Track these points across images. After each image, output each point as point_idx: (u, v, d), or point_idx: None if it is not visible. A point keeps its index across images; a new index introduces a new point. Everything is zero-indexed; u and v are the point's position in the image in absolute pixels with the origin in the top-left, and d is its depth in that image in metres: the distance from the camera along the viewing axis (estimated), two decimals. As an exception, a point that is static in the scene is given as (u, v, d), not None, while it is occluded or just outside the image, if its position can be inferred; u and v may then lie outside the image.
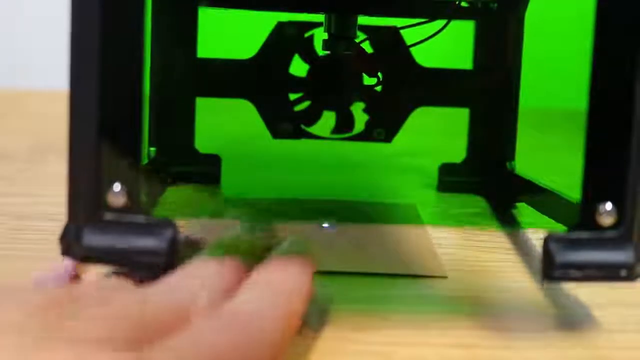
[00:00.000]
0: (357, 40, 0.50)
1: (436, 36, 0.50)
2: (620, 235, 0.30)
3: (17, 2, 1.01)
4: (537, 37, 0.52)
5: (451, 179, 0.55)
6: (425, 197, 0.54)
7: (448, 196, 0.54)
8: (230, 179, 0.54)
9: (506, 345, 0.31)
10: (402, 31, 0.51)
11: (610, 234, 0.30)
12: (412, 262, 0.40)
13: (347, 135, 0.52)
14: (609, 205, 0.30)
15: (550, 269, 0.30)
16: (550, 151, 0.74)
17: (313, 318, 0.31)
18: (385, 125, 0.52)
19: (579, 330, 0.33)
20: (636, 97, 0.29)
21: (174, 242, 0.29)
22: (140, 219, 0.29)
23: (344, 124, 0.52)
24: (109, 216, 0.29)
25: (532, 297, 0.36)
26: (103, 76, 0.28)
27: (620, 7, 0.29)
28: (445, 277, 0.38)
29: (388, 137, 0.52)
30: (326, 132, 0.52)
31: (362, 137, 0.52)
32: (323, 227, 0.44)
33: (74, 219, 0.30)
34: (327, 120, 0.52)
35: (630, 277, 0.30)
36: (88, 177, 0.29)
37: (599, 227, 0.30)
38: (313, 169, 0.61)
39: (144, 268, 0.29)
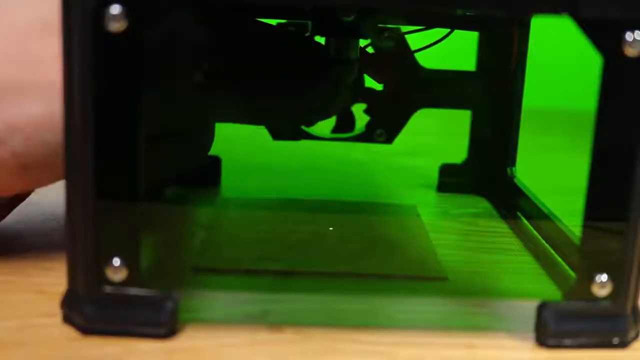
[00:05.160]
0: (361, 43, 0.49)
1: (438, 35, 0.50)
2: (614, 307, 0.31)
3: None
4: (537, 37, 0.52)
5: (451, 179, 0.55)
6: (425, 197, 0.54)
7: (448, 196, 0.54)
8: (230, 180, 0.54)
9: (506, 345, 0.31)
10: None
11: (604, 304, 0.31)
12: (412, 262, 0.40)
13: (347, 135, 0.52)
14: (604, 277, 0.30)
15: (544, 337, 0.31)
16: (549, 151, 0.74)
17: None
18: (386, 126, 0.52)
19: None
20: (636, 170, 0.29)
21: (174, 314, 0.30)
22: (140, 291, 0.30)
23: (344, 124, 0.52)
24: (109, 289, 0.30)
25: (532, 298, 0.36)
26: (99, 144, 0.28)
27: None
28: (445, 278, 0.38)
29: (389, 139, 0.52)
30: (326, 132, 0.52)
31: (362, 138, 0.52)
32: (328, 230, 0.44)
33: (74, 285, 0.30)
34: (327, 120, 0.52)
35: (622, 345, 0.31)
36: (87, 252, 0.29)
37: (594, 298, 0.31)
38: (313, 169, 0.61)
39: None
